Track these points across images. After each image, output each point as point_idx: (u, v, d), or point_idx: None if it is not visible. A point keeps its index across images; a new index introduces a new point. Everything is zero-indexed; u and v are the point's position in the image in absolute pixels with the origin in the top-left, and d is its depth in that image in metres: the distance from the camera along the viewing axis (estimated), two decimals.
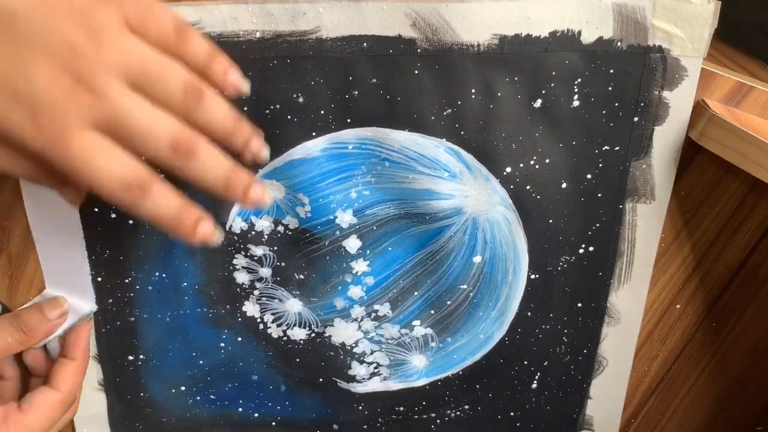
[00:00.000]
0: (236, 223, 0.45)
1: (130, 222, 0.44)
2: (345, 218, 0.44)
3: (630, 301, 0.48)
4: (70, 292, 0.47)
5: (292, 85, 0.41)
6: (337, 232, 0.45)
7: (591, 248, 0.46)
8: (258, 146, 0.35)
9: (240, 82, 0.34)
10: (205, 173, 0.33)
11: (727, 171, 0.44)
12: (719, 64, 0.44)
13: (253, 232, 0.45)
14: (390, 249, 0.46)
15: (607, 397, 0.52)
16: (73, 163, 0.30)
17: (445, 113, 0.41)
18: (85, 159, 0.30)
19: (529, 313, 0.48)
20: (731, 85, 0.42)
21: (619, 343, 0.50)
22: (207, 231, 0.34)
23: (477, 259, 0.46)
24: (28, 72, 0.29)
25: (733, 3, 0.39)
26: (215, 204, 0.44)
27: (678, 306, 0.50)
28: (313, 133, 0.42)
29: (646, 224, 0.45)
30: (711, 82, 0.41)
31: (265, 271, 0.47)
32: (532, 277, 0.47)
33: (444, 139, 0.42)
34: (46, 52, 0.29)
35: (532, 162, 0.43)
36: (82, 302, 0.47)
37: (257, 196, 0.35)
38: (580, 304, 0.48)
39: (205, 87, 0.32)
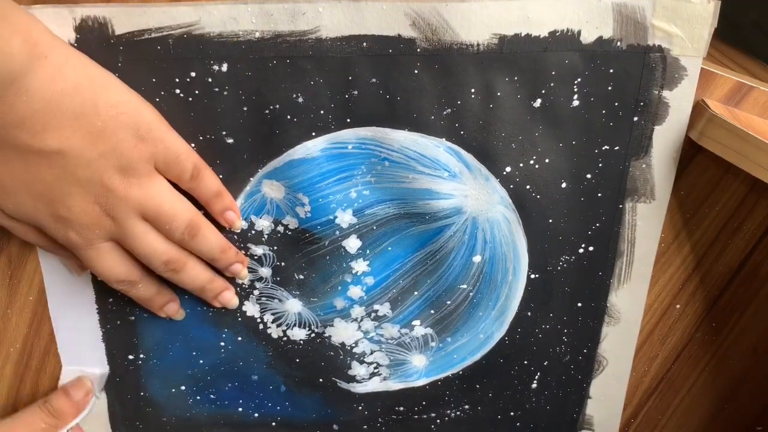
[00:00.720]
0: None
1: None
2: (345, 218, 0.44)
3: (630, 300, 0.48)
4: (85, 361, 0.49)
5: (291, 85, 0.41)
6: (337, 232, 0.45)
7: (591, 248, 0.46)
8: (236, 271, 0.45)
9: (234, 221, 0.44)
10: (187, 283, 0.44)
11: (727, 171, 0.44)
12: (719, 64, 0.44)
13: (253, 232, 0.45)
14: (390, 249, 0.46)
15: (607, 396, 0.52)
16: (85, 259, 0.41)
17: (444, 113, 0.41)
18: (95, 259, 0.40)
19: (529, 313, 0.48)
20: (731, 85, 0.42)
21: (619, 343, 0.50)
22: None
23: (477, 258, 0.46)
24: (68, 202, 0.38)
25: (733, 3, 0.39)
26: None
27: (678, 306, 0.50)
28: (313, 133, 0.42)
29: (645, 224, 0.45)
30: (711, 82, 0.41)
31: (265, 271, 0.47)
32: (532, 276, 0.47)
33: (444, 139, 0.42)
34: (85, 189, 0.37)
35: (531, 162, 0.43)
36: (96, 367, 0.49)
37: (225, 300, 0.46)
38: (580, 304, 0.48)
39: (202, 224, 0.42)
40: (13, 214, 0.39)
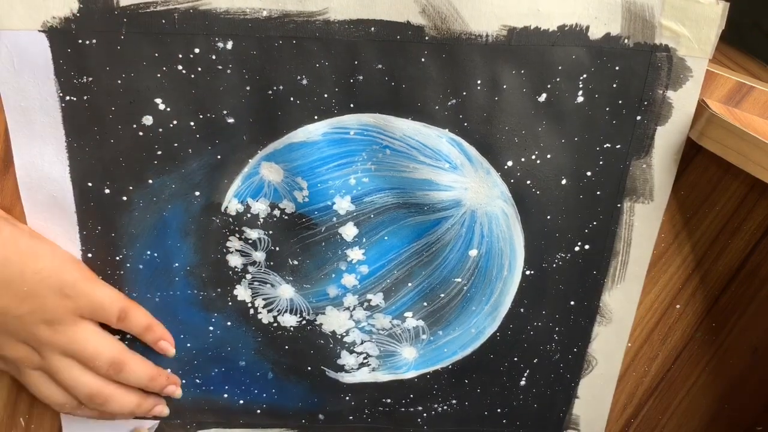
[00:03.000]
0: (232, 205, 0.44)
1: (124, 198, 0.44)
2: (343, 205, 0.44)
3: (623, 301, 0.48)
4: None
5: (296, 67, 0.40)
6: (334, 219, 0.45)
7: (587, 246, 0.46)
8: (170, 392, 0.49)
9: (167, 350, 0.48)
10: (113, 411, 0.47)
11: (727, 171, 0.44)
12: (719, 64, 0.44)
13: (249, 215, 0.45)
14: (386, 238, 0.46)
15: (594, 396, 0.52)
16: (26, 385, 0.46)
17: (449, 103, 0.41)
18: (33, 386, 0.46)
19: (521, 309, 0.48)
20: (731, 85, 0.42)
21: (610, 344, 0.50)
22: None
23: (473, 252, 0.46)
24: (5, 346, 0.43)
25: (733, 3, 0.39)
26: (211, 182, 0.44)
27: (678, 306, 0.50)
28: (315, 117, 0.42)
29: (643, 225, 0.45)
30: (711, 82, 0.41)
31: (259, 255, 0.46)
32: (527, 272, 0.47)
33: (447, 130, 0.42)
34: (14, 335, 0.43)
35: (533, 157, 0.43)
36: (148, 421, 0.52)
37: (156, 413, 0.50)
38: (572, 302, 0.48)
39: (126, 360, 0.46)
40: None
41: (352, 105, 0.41)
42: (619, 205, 0.45)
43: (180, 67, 0.40)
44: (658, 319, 0.50)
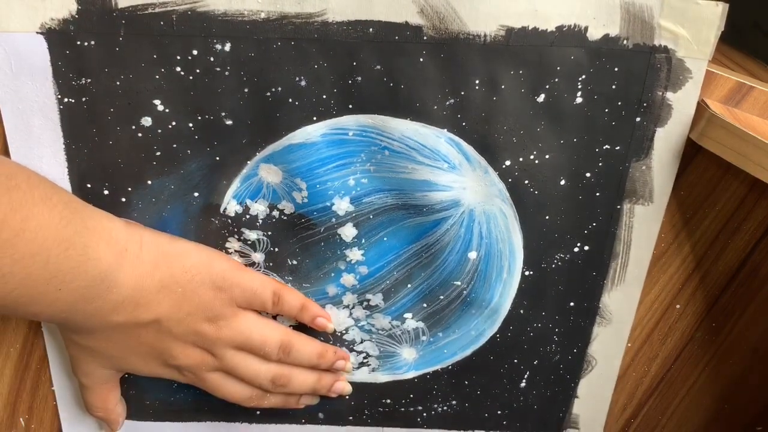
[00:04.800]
0: (231, 206, 0.44)
1: (123, 199, 0.44)
2: (342, 206, 0.44)
3: (622, 302, 0.48)
4: None
5: (295, 68, 0.40)
6: (333, 219, 0.45)
7: (586, 247, 0.46)
8: (340, 367, 0.49)
9: (325, 326, 0.47)
10: (297, 390, 0.48)
11: (727, 171, 0.44)
12: (719, 64, 0.44)
13: (248, 216, 0.45)
14: (385, 239, 0.46)
15: (593, 396, 0.52)
16: (210, 390, 0.46)
17: (447, 103, 0.41)
18: (216, 388, 0.46)
19: (521, 311, 0.48)
20: (731, 85, 0.42)
21: (610, 344, 0.50)
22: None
23: (472, 255, 0.46)
24: (171, 352, 0.44)
25: (733, 3, 0.39)
26: (210, 183, 0.44)
27: (678, 306, 0.50)
28: (314, 118, 0.42)
29: (642, 226, 0.45)
30: (711, 82, 0.41)
31: (258, 256, 0.46)
32: (526, 273, 0.47)
33: (445, 130, 0.42)
34: (182, 340, 0.43)
35: (531, 157, 0.43)
36: None
37: (338, 390, 0.50)
38: (572, 303, 0.48)
39: (293, 341, 0.46)
40: (134, 372, 0.46)
41: (350, 106, 0.41)
42: (618, 207, 0.45)
43: (178, 69, 0.40)
44: (658, 319, 0.50)
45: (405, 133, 0.42)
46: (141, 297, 0.40)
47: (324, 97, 0.41)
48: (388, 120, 0.42)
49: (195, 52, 0.40)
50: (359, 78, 0.40)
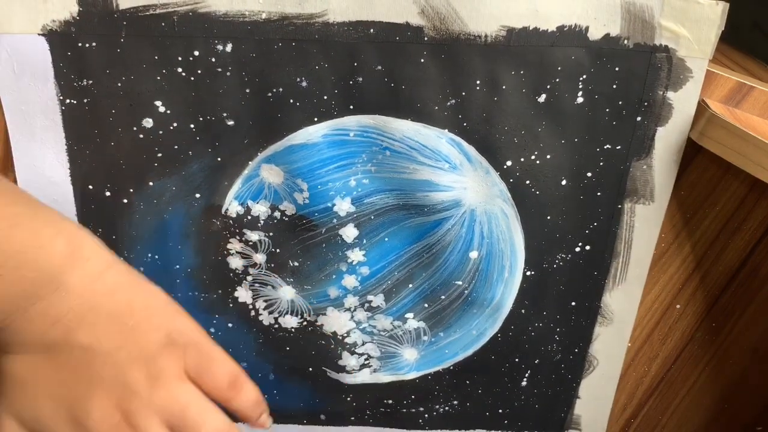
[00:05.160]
0: (232, 207, 0.44)
1: (125, 201, 0.44)
2: (343, 206, 0.44)
3: (624, 302, 0.48)
4: None
5: (296, 69, 0.40)
6: (335, 220, 0.45)
7: (587, 247, 0.46)
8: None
9: (265, 423, 0.40)
10: None
11: (727, 171, 0.44)
12: (719, 64, 0.44)
13: (249, 217, 0.45)
14: (387, 239, 0.46)
15: (595, 397, 0.52)
16: None
17: (448, 103, 0.41)
18: None
19: (522, 311, 0.48)
20: (731, 85, 0.42)
21: (611, 344, 0.50)
22: None
23: (473, 255, 0.46)
24: (88, 404, 0.34)
25: (733, 3, 0.39)
26: (211, 184, 0.44)
27: (678, 306, 0.50)
28: (315, 119, 0.42)
29: (643, 226, 0.45)
30: (711, 82, 0.41)
31: (260, 257, 0.46)
32: (528, 273, 0.47)
33: (446, 130, 0.42)
34: (107, 390, 0.35)
35: (533, 157, 0.43)
36: None
37: None
38: (573, 303, 0.48)
39: None
40: (29, 423, 0.36)
41: (351, 107, 0.41)
42: (619, 206, 0.45)
43: (180, 70, 0.40)
44: (658, 319, 0.50)
45: (406, 133, 0.42)
46: (87, 315, 0.35)
47: (325, 97, 0.41)
48: (390, 120, 0.42)
49: (196, 53, 0.40)
50: (360, 78, 0.40)
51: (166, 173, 0.43)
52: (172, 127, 0.42)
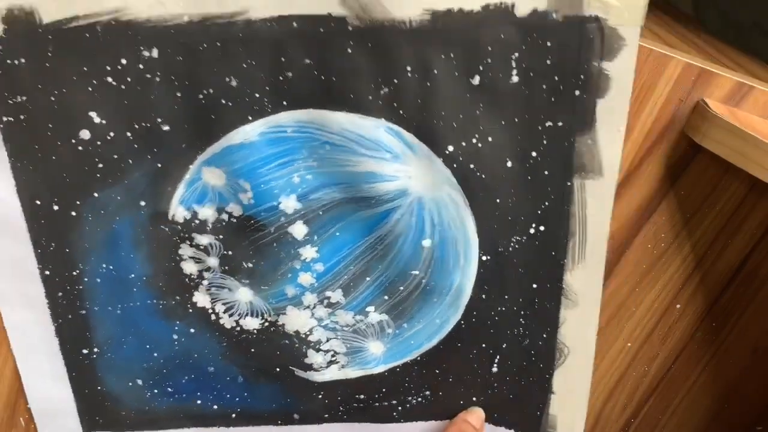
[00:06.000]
0: (179, 212, 0.44)
1: (73, 213, 0.44)
2: (289, 204, 0.44)
3: (586, 281, 0.47)
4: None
5: (224, 69, 0.40)
6: (282, 218, 0.44)
7: (542, 228, 0.45)
8: None
9: None
10: None
11: (727, 171, 0.44)
12: (719, 64, 0.44)
13: (197, 221, 0.45)
14: (338, 234, 0.45)
15: (570, 390, 0.51)
16: None
17: (382, 92, 0.41)
18: None
19: (483, 296, 0.47)
20: (731, 84, 0.42)
21: (579, 329, 0.49)
22: None
23: (426, 243, 0.45)
24: None
25: (734, 3, 0.38)
26: (155, 191, 0.44)
27: (678, 306, 0.49)
28: (249, 117, 0.41)
29: (596, 201, 0.44)
30: (711, 81, 0.41)
31: (213, 261, 0.46)
32: (484, 258, 0.46)
33: (383, 119, 0.41)
34: None
35: (474, 140, 0.42)
36: None
37: None
38: (535, 285, 0.47)
39: None
40: None
41: (285, 103, 0.41)
42: (569, 184, 0.44)
43: (110, 79, 0.40)
44: (658, 319, 0.50)
45: (343, 125, 0.41)
46: None
47: (257, 95, 0.41)
48: (325, 114, 0.41)
49: (124, 62, 0.40)
50: (290, 74, 0.40)
51: (109, 183, 0.43)
52: (109, 137, 0.42)
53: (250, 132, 0.42)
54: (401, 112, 0.41)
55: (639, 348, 0.51)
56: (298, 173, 0.43)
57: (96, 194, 0.43)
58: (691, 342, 0.51)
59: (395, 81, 0.40)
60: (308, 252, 0.46)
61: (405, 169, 0.43)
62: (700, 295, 0.49)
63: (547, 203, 0.44)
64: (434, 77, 0.40)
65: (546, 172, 0.43)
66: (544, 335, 0.49)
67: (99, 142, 0.42)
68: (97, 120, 0.41)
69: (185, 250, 0.46)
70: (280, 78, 0.40)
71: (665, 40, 0.48)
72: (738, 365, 0.52)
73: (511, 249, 0.46)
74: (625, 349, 0.50)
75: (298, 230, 0.45)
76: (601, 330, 0.49)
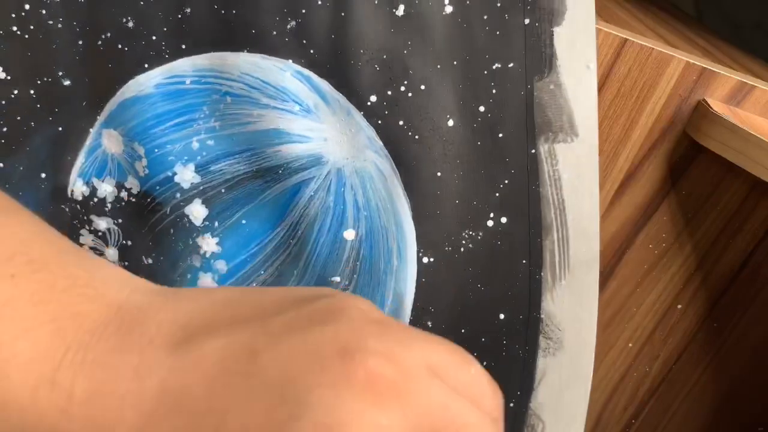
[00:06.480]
0: (77, 187, 0.38)
1: None
2: (186, 176, 0.36)
3: (574, 307, 0.33)
4: None
5: (120, 9, 0.36)
6: (178, 194, 0.37)
7: (503, 219, 0.33)
8: None
9: None
10: None
11: (729, 171, 0.43)
12: (720, 63, 0.43)
13: (96, 199, 0.38)
14: (244, 222, 0.36)
15: None
16: None
17: (288, 27, 0.34)
18: None
19: (429, 322, 0.34)
20: (732, 84, 0.41)
21: (568, 393, 0.34)
22: None
23: (349, 234, 0.35)
24: None
25: (735, 3, 0.37)
26: (55, 162, 0.38)
27: (679, 306, 0.48)
28: (146, 65, 0.36)
29: (574, 178, 0.32)
30: (712, 81, 0.40)
31: (111, 252, 0.39)
32: (426, 261, 0.34)
33: (290, 61, 0.34)
34: None
35: (402, 89, 0.33)
36: None
37: None
38: (502, 316, 0.34)
39: None
40: None
41: (183, 46, 0.36)
42: (533, 151, 0.32)
43: (15, 28, 0.37)
44: (659, 320, 0.48)
45: (243, 68, 0.35)
46: None
47: (154, 38, 0.36)
48: (225, 56, 0.35)
49: (27, 7, 0.37)
50: (188, 9, 0.35)
51: (12, 151, 0.39)
52: (12, 96, 0.38)
53: (144, 83, 0.36)
54: (311, 51, 0.34)
55: (640, 348, 0.50)
56: (198, 137, 0.36)
57: (1, 164, 0.39)
58: (693, 342, 0.50)
59: (303, 11, 0.34)
60: (208, 243, 0.37)
61: (318, 127, 0.34)
62: (702, 295, 0.48)
63: (506, 181, 0.33)
64: (350, 7, 0.33)
65: (500, 135, 0.32)
66: (511, 403, 0.34)
67: (3, 102, 0.38)
68: (2, 75, 0.38)
69: (85, 239, 0.39)
70: (179, 16, 0.35)
71: (666, 39, 0.47)
72: (739, 366, 0.51)
73: (462, 249, 0.34)
74: (626, 350, 0.49)
75: (197, 211, 0.37)
76: (602, 330, 0.46)
